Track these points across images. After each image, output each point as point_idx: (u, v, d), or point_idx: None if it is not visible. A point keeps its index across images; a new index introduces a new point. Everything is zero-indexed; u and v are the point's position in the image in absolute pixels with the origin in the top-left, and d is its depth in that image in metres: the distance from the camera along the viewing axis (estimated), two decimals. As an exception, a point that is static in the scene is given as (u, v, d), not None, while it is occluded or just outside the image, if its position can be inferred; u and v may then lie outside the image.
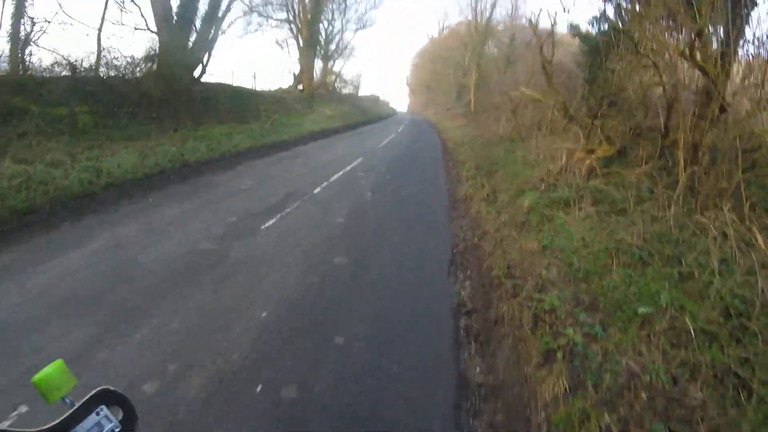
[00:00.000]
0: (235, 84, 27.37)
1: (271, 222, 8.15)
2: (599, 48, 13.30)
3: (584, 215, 7.27)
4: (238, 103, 23.76)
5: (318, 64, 45.25)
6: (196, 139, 16.10)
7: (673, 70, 8.69)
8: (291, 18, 37.73)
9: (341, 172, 13.75)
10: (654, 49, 10.30)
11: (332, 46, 46.44)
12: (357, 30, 47.22)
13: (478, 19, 40.64)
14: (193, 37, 20.81)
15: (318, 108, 33.78)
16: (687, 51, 7.02)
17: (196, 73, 21.90)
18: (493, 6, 38.35)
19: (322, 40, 44.22)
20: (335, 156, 17.30)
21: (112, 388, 1.10)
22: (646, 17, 9.52)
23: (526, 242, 6.86)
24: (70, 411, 1.01)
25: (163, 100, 17.60)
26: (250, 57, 68.81)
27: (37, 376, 1.00)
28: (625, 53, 11.22)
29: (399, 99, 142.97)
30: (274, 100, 29.54)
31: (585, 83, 13.50)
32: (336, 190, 11.28)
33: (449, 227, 8.89)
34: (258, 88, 31.99)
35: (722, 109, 7.43)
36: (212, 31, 22.10)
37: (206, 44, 21.90)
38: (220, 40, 57.72)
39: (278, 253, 6.72)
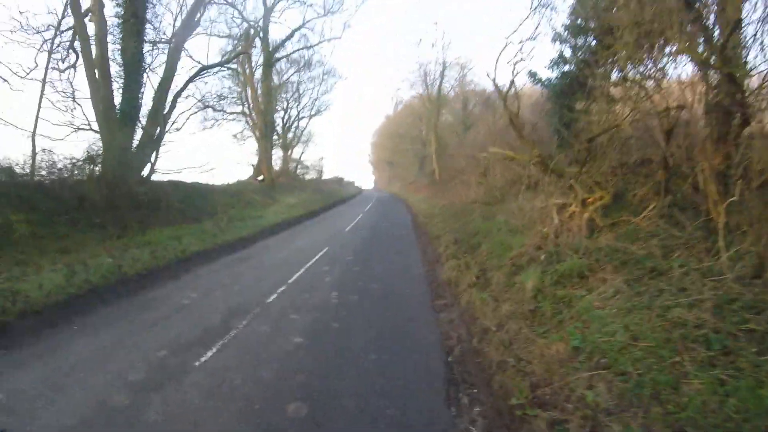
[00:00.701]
0: (189, 181, 25.82)
1: (209, 354, 6.16)
2: (563, 91, 12.32)
3: (612, 290, 5.55)
4: (191, 201, 22.10)
5: (278, 153, 44.73)
6: (141, 245, 14.16)
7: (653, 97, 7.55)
8: (246, 110, 37.22)
9: (302, 270, 11.93)
10: (629, 78, 9.21)
11: (290, 135, 46.10)
12: (313, 116, 46.93)
13: (429, 90, 40.82)
14: (138, 136, 19.43)
15: (280, 198, 32.38)
16: (711, 57, 5.67)
17: (145, 172, 20.29)
18: (442, 75, 38.54)
19: (279, 128, 43.87)
20: (297, 249, 15.54)
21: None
22: (616, 45, 8.47)
23: (547, 343, 5.01)
24: None
25: (107, 204, 15.82)
26: (208, 152, 67.83)
27: None
28: (595, 90, 10.16)
29: (364, 178, 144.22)
30: (232, 193, 28.06)
31: (557, 130, 12.41)
32: (294, 296, 9.38)
33: (436, 326, 7.07)
34: (217, 183, 30.69)
35: (745, 123, 6.10)
36: (158, 128, 20.77)
37: (152, 142, 20.49)
38: (174, 136, 57.22)
39: (211, 407, 4.74)
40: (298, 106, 45.59)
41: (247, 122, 37.98)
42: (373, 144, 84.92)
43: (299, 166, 48.55)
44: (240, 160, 57.57)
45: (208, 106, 34.50)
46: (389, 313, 7.90)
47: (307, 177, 50.72)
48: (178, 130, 28.79)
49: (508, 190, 14.69)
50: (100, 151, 17.50)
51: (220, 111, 36.04)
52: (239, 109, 36.90)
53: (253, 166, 37.21)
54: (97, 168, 17.16)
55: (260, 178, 36.48)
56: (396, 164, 69.19)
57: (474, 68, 61.78)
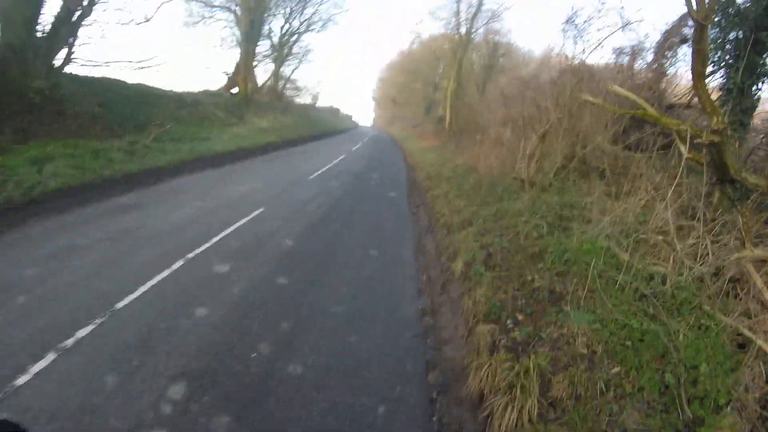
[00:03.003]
0: (132, 81, 19.42)
1: None
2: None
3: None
4: (118, 107, 15.83)
5: (268, 68, 37.85)
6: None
7: None
8: (233, 6, 30.07)
9: (180, 262, 6.34)
10: None
11: (286, 49, 38.83)
12: (316, 29, 39.41)
13: (458, 23, 33.56)
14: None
15: (250, 118, 26.10)
16: None
17: (58, 62, 13.73)
18: (479, 7, 30.94)
19: (275, 38, 36.73)
20: (220, 204, 9.87)
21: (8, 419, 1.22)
22: None
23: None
24: None
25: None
26: (185, 55, 59.71)
27: None
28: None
29: (364, 113, 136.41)
30: (186, 104, 21.64)
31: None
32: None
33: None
34: (176, 89, 24.29)
35: None
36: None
37: (70, 24, 13.72)
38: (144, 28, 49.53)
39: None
40: (301, 15, 38.11)
41: (234, 18, 30.94)
42: (381, 79, 77.46)
43: (289, 85, 41.55)
44: (211, 65, 48.45)
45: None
46: None
47: (298, 100, 43.93)
48: (148, 20, 22.61)
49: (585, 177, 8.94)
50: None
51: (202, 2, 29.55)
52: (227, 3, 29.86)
53: (228, 75, 30.43)
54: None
55: (234, 90, 29.91)
56: (401, 103, 62.61)
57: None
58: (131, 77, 22.79)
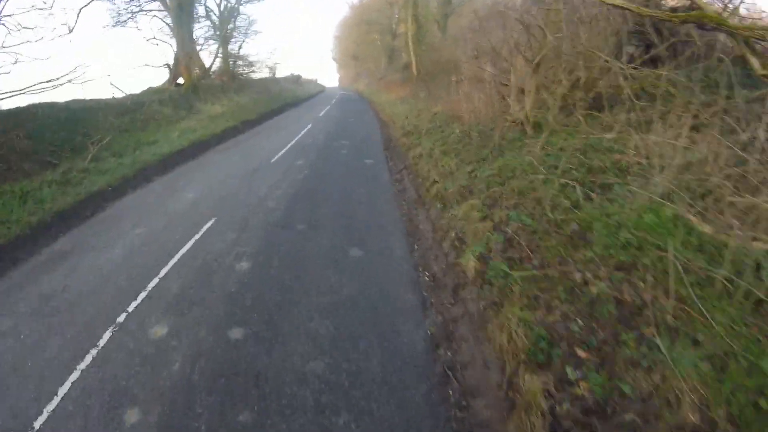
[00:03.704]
0: (64, 100, 17.23)
1: None
2: None
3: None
4: (49, 133, 13.89)
5: (213, 50, 35.03)
6: None
7: None
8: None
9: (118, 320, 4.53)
10: None
11: (230, 26, 35.91)
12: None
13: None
14: None
15: (202, 107, 23.85)
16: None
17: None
18: None
19: (214, 17, 33.86)
20: (171, 222, 8.23)
21: None
22: None
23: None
24: None
25: None
26: (123, 56, 55.76)
27: None
28: None
29: (329, 75, 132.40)
30: (127, 109, 19.36)
31: None
32: None
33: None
34: (117, 95, 21.94)
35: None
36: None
37: None
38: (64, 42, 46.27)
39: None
40: (236, -16, 35.00)
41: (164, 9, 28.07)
42: (337, 38, 74.25)
43: (241, 63, 38.69)
44: (150, 61, 44.67)
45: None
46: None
47: (256, 76, 41.06)
48: (71, 30, 20.09)
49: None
50: None
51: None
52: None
53: (168, 66, 27.80)
54: None
55: (180, 81, 27.43)
56: (362, 58, 60.02)
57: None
58: (63, 96, 20.49)
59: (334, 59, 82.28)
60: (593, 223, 4.48)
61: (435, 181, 7.52)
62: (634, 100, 6.82)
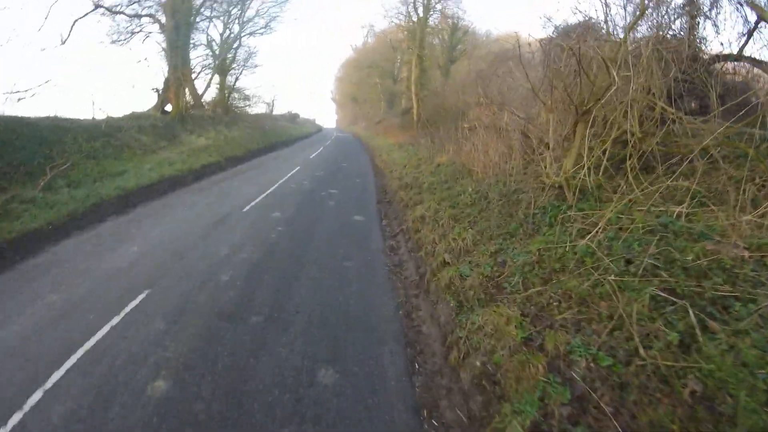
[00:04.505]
0: (36, 116, 15.59)
1: None
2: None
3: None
4: (15, 151, 12.26)
5: (215, 79, 33.38)
6: None
7: None
8: (151, 11, 25.60)
9: None
10: None
11: (230, 57, 34.57)
12: (263, 32, 35.28)
13: (412, 9, 29.89)
14: None
15: (185, 138, 22.14)
16: None
17: None
18: None
19: (215, 46, 32.57)
20: (95, 289, 6.21)
21: None
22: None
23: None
24: None
25: None
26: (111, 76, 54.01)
27: None
28: None
29: (326, 116, 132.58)
30: (101, 133, 17.48)
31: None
32: None
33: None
34: (96, 116, 20.20)
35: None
36: None
37: None
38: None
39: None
40: (241, 18, 33.83)
41: (158, 26, 26.50)
42: (338, 79, 73.82)
43: (237, 95, 37.14)
44: (137, 83, 42.57)
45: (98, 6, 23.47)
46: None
47: (252, 110, 39.42)
48: (63, 43, 18.90)
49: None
50: None
51: (113, 13, 24.98)
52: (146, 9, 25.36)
53: (157, 91, 26.14)
54: None
55: (168, 108, 25.77)
56: (361, 101, 59.40)
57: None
58: (39, 111, 18.85)
59: (333, 100, 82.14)
60: (727, 382, 2.59)
61: (445, 263, 5.58)
62: (698, 160, 5.12)
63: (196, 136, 22.84)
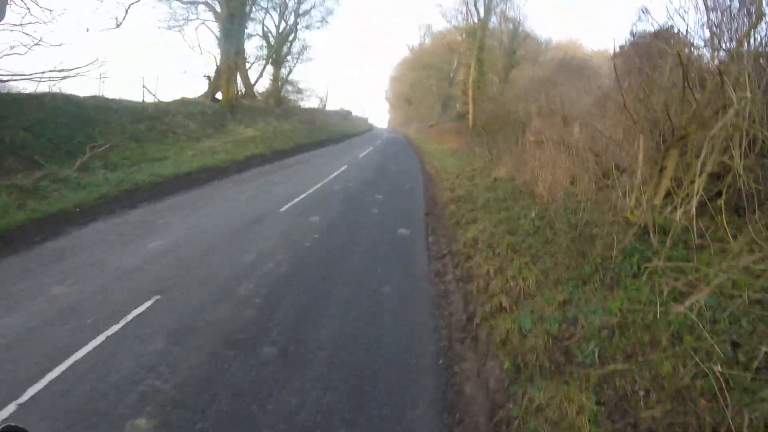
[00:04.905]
0: (84, 95, 15.75)
1: None
2: None
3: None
4: (53, 127, 12.23)
5: (268, 70, 33.33)
6: None
7: None
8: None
9: None
10: None
11: (285, 49, 34.43)
12: (318, 26, 35.16)
13: (472, 8, 28.84)
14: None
15: (234, 127, 21.86)
16: None
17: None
18: None
19: (270, 38, 32.50)
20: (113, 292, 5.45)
21: (13, 424, 1.22)
22: None
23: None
24: None
25: None
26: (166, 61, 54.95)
27: None
28: None
29: (380, 115, 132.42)
30: (147, 117, 17.31)
31: None
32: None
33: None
34: (146, 99, 20.30)
35: None
36: None
37: None
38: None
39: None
40: (297, 10, 33.58)
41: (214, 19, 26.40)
42: (393, 78, 73.01)
43: (290, 88, 36.93)
44: (191, 70, 42.12)
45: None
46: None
47: (304, 104, 39.13)
48: (118, 26, 19.19)
49: None
50: None
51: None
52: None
53: (209, 79, 26.01)
54: None
55: (219, 96, 25.66)
56: (415, 102, 58.45)
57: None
58: (86, 90, 19.19)
59: (387, 100, 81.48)
60: None
61: (502, 307, 4.65)
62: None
63: (244, 126, 22.52)
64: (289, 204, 10.11)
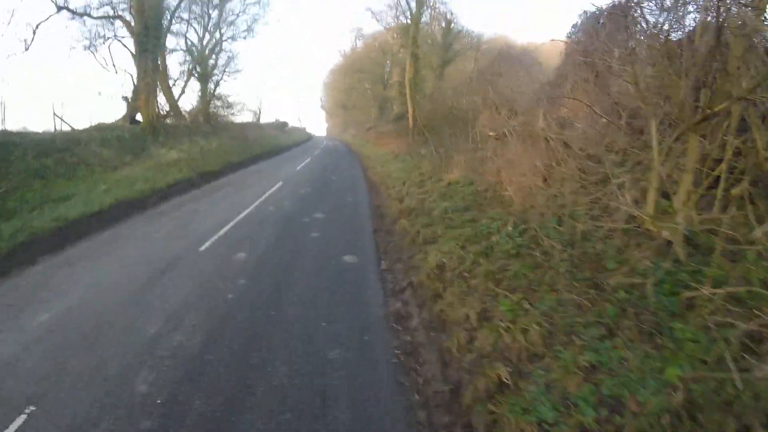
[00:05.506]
0: None
1: None
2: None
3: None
4: None
5: (194, 86, 31.24)
6: None
7: None
8: (116, 11, 23.12)
9: None
10: None
11: (211, 62, 32.43)
12: (245, 36, 33.36)
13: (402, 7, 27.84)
14: None
15: (156, 150, 19.82)
16: None
17: None
18: None
19: (195, 51, 30.54)
20: None
21: None
22: None
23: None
24: None
25: None
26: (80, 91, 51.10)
27: None
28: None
29: (317, 123, 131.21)
30: (53, 150, 15.17)
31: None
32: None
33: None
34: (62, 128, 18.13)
35: None
36: None
37: None
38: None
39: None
40: (220, 22, 31.66)
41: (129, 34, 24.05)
42: (327, 85, 71.64)
43: (219, 103, 34.73)
44: (104, 91, 38.35)
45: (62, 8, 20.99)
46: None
47: (236, 119, 36.84)
48: (27, 49, 18.65)
49: None
50: None
51: (77, 15, 22.45)
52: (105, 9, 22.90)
53: (127, 100, 23.74)
54: None
55: (139, 117, 23.49)
56: (352, 108, 57.49)
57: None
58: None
59: (323, 107, 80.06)
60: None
61: (501, 381, 3.25)
62: None
63: (167, 149, 20.42)
64: (212, 239, 8.44)
